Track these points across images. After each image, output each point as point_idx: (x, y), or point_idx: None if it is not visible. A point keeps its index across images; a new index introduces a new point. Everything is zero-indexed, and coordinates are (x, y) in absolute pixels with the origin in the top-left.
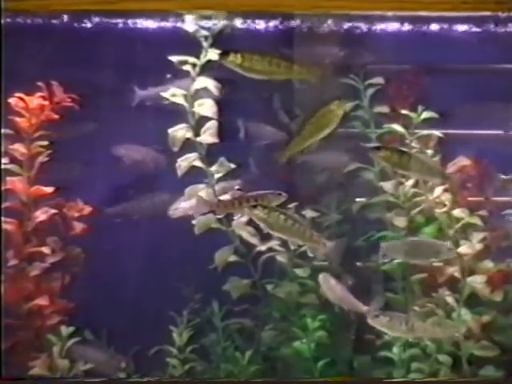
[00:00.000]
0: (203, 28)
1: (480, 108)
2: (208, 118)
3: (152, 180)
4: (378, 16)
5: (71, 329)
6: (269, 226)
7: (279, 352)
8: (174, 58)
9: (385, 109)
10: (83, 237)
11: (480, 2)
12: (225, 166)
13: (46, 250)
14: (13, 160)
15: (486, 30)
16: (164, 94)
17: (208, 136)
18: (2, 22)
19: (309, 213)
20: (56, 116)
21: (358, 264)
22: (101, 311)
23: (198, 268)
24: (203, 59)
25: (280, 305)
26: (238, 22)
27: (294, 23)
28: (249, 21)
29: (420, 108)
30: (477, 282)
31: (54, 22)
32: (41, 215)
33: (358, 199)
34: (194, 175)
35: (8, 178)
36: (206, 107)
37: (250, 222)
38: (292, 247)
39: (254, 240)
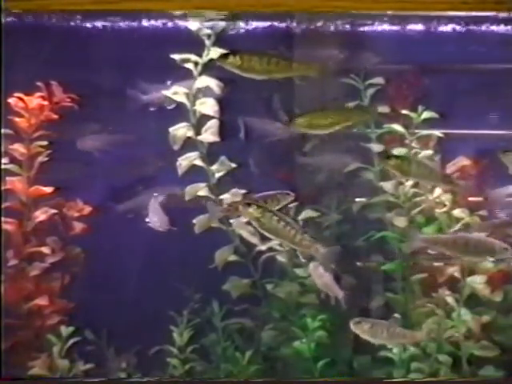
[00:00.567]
0: (206, 27)
1: (480, 108)
2: (209, 117)
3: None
4: (378, 16)
5: (71, 329)
6: (261, 226)
7: (279, 352)
8: (176, 56)
9: (385, 109)
10: (83, 237)
11: (480, 2)
12: (225, 165)
13: (45, 249)
14: (12, 160)
15: (485, 30)
16: (166, 93)
17: (209, 135)
18: (2, 21)
19: (309, 213)
20: (55, 116)
21: (358, 264)
22: (101, 311)
23: (197, 268)
24: (205, 58)
25: (280, 305)
26: (240, 22)
27: (294, 23)
28: (250, 20)
29: (420, 108)
30: (477, 282)
31: (54, 22)
32: (40, 215)
33: (357, 199)
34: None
35: (8, 178)
36: (208, 106)
37: (250, 222)
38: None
39: (254, 239)
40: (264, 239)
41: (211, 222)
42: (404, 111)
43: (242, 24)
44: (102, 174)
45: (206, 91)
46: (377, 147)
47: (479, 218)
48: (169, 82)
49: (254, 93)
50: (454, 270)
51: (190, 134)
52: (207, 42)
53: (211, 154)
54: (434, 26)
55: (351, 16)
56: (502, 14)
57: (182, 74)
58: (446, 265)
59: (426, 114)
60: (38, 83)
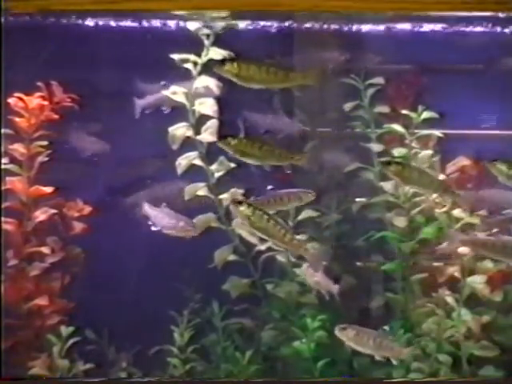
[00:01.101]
0: (205, 27)
1: (480, 108)
2: (208, 117)
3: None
4: (378, 16)
5: (71, 329)
6: (252, 225)
7: (279, 352)
8: (176, 56)
9: (385, 109)
10: (83, 237)
11: (480, 2)
12: (224, 164)
13: (45, 249)
14: (12, 160)
15: (485, 30)
16: (165, 92)
17: (208, 135)
18: (2, 21)
19: (309, 213)
20: (56, 116)
21: (358, 264)
22: (101, 311)
23: (198, 267)
24: (204, 58)
25: (280, 304)
26: (239, 22)
27: (294, 23)
28: (250, 20)
29: (420, 108)
30: (477, 282)
31: (54, 21)
32: (40, 215)
33: (357, 199)
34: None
35: (8, 178)
36: (207, 106)
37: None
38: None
39: (253, 239)
40: (263, 239)
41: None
42: (404, 111)
43: (240, 24)
44: (102, 174)
45: (205, 91)
46: (377, 147)
47: (479, 218)
48: (168, 83)
49: (254, 92)
50: (454, 270)
51: (189, 133)
52: (206, 42)
53: (210, 153)
54: (434, 26)
55: (351, 16)
56: (502, 14)
57: (181, 74)
58: (445, 265)
59: (425, 114)
60: (38, 83)
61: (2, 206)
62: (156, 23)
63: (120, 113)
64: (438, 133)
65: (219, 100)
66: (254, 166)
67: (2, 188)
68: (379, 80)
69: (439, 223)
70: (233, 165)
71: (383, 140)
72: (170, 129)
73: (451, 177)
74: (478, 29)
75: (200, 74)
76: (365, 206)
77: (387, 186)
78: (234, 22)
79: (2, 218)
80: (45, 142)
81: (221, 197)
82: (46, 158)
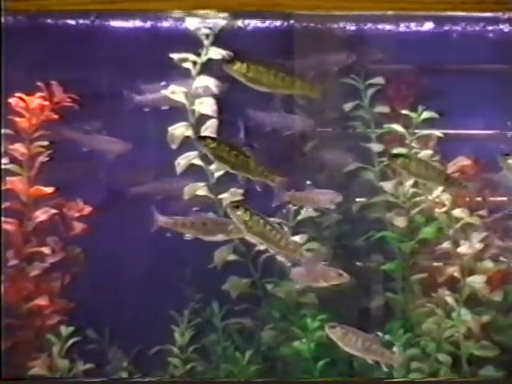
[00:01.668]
0: (204, 26)
1: (480, 108)
2: (208, 117)
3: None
4: (378, 16)
5: (71, 329)
6: (248, 229)
7: (279, 352)
8: (175, 56)
9: (385, 109)
10: (83, 237)
11: (480, 2)
12: None
13: (45, 250)
14: (13, 160)
15: (485, 30)
16: (164, 92)
17: (207, 134)
18: (2, 21)
19: (308, 213)
20: (56, 116)
21: (358, 264)
22: (101, 311)
23: (198, 267)
24: (204, 57)
25: (280, 304)
26: (239, 22)
27: (294, 23)
28: (250, 20)
29: (420, 108)
30: (476, 281)
31: (54, 21)
32: (41, 215)
33: (357, 199)
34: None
35: (8, 178)
36: (207, 105)
37: None
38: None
39: (253, 239)
40: None
41: None
42: (404, 111)
43: (240, 24)
44: (102, 174)
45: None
46: (377, 147)
47: (479, 218)
48: (167, 82)
49: (254, 92)
50: (453, 270)
51: (189, 133)
52: (206, 42)
53: None
54: (434, 26)
55: (351, 16)
56: (502, 15)
57: (180, 74)
58: (445, 265)
59: (425, 114)
60: (39, 83)
61: (2, 206)
62: (155, 23)
63: (119, 113)
64: (437, 133)
65: (221, 99)
66: None
67: (2, 188)
68: (379, 80)
69: (439, 223)
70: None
71: (383, 140)
72: (170, 128)
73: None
74: (478, 28)
75: (199, 73)
76: (365, 205)
77: (387, 185)
78: (233, 21)
79: (2, 218)
80: (45, 142)
81: (220, 196)
82: (47, 158)
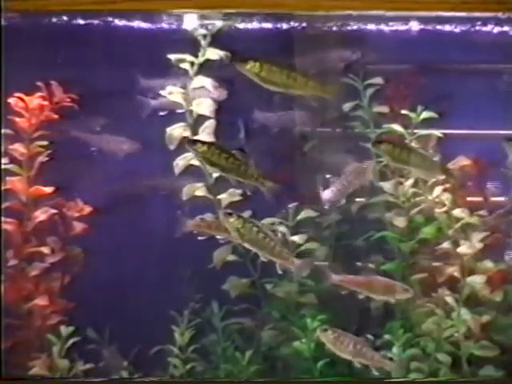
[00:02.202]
0: (202, 27)
1: (480, 108)
2: (206, 117)
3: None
4: (378, 16)
5: (71, 329)
6: (241, 237)
7: (279, 352)
8: (172, 57)
9: (384, 109)
10: (83, 237)
11: (480, 2)
12: None
13: (45, 250)
14: (12, 160)
15: (486, 30)
16: (162, 93)
17: (205, 135)
18: (2, 22)
19: (308, 213)
20: (56, 116)
21: (358, 264)
22: (101, 311)
23: (197, 267)
24: (201, 58)
25: (279, 304)
26: (237, 22)
27: (294, 23)
28: (248, 20)
29: (419, 108)
30: (476, 281)
31: (54, 21)
32: (41, 215)
33: (357, 199)
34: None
35: (8, 178)
36: (204, 106)
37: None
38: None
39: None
40: None
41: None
42: (403, 111)
43: (237, 24)
44: (103, 174)
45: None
46: None
47: (479, 218)
48: (165, 83)
49: (253, 92)
50: (453, 270)
51: (187, 133)
52: (203, 42)
53: None
54: (434, 26)
55: (351, 16)
56: (503, 15)
57: (179, 74)
58: (445, 265)
59: (425, 114)
60: (38, 83)
61: (2, 206)
62: (153, 23)
63: (119, 112)
64: (437, 133)
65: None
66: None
67: (2, 188)
68: (378, 80)
69: (439, 223)
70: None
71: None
72: (168, 129)
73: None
74: (478, 29)
75: (197, 74)
76: (364, 205)
77: (387, 185)
78: (231, 21)
79: (2, 218)
80: (45, 142)
81: (219, 197)
82: (46, 158)
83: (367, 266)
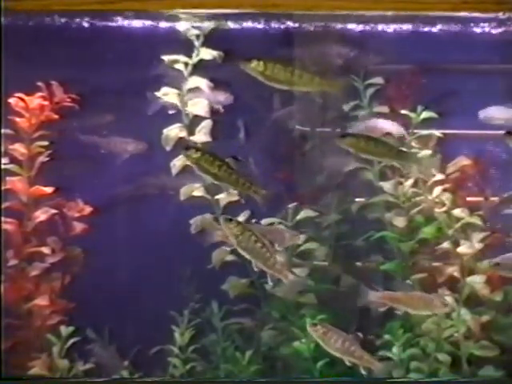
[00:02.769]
0: (195, 27)
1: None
2: (202, 118)
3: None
4: (378, 16)
5: (71, 329)
6: (238, 244)
7: (279, 352)
8: (166, 58)
9: (384, 109)
10: (83, 237)
11: (480, 2)
12: None
13: (45, 250)
14: (13, 160)
15: (485, 30)
16: (157, 94)
17: (202, 135)
18: (2, 22)
19: (307, 213)
20: (56, 116)
21: (358, 264)
22: (101, 311)
23: (197, 268)
24: (195, 58)
25: (279, 304)
26: (231, 22)
27: (293, 23)
28: (242, 20)
29: (419, 108)
30: (476, 281)
31: (54, 21)
32: (41, 215)
33: (357, 199)
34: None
35: (8, 178)
36: (200, 107)
37: (248, 221)
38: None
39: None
40: None
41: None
42: (403, 111)
43: (231, 24)
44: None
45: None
46: None
47: (479, 218)
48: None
49: (253, 93)
50: (453, 270)
51: (183, 134)
52: (196, 43)
53: None
54: (434, 26)
55: (351, 16)
56: (503, 15)
57: (173, 75)
58: (445, 264)
59: (425, 114)
60: (39, 83)
61: (2, 206)
62: (147, 24)
63: (118, 113)
64: (437, 133)
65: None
66: (252, 165)
67: (2, 188)
68: (378, 80)
69: (438, 223)
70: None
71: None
72: (165, 130)
73: (451, 177)
74: (478, 29)
75: (191, 74)
76: (364, 205)
77: (387, 185)
78: (225, 21)
79: (2, 218)
80: (45, 142)
81: (217, 197)
82: (47, 158)
83: (405, 281)
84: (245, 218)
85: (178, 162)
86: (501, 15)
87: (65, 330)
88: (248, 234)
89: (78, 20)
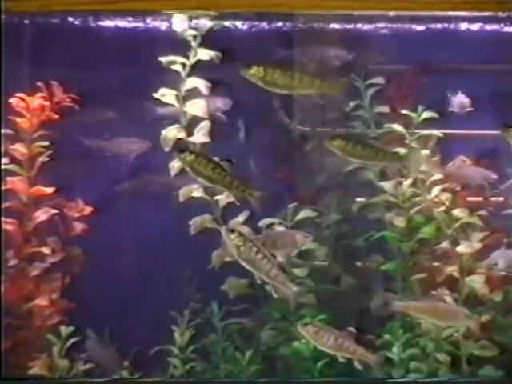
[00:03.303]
0: (192, 28)
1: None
2: (201, 118)
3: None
4: (378, 16)
5: (71, 329)
6: (239, 255)
7: (279, 352)
8: (163, 59)
9: (385, 109)
10: (83, 237)
11: (480, 2)
12: None
13: (46, 250)
14: (13, 160)
15: (486, 30)
16: (155, 95)
17: (200, 136)
18: (2, 22)
19: (307, 213)
20: (56, 116)
21: (358, 264)
22: (101, 311)
23: (197, 268)
24: (193, 59)
25: (279, 305)
26: (230, 22)
27: (292, 23)
28: (251, 21)
29: (420, 108)
30: (476, 281)
31: (54, 21)
32: (41, 215)
33: (358, 199)
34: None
35: (8, 178)
36: (198, 107)
37: (247, 221)
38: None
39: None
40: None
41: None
42: (404, 111)
43: (228, 24)
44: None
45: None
46: None
47: (479, 218)
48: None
49: (253, 93)
50: (452, 270)
51: (181, 135)
52: (193, 44)
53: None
54: (434, 26)
55: (351, 16)
56: (503, 14)
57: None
58: (445, 264)
59: (425, 114)
60: (39, 83)
61: (2, 206)
62: (145, 24)
63: (115, 113)
64: (437, 133)
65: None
66: (252, 165)
67: (2, 188)
68: (379, 80)
69: (438, 223)
70: (230, 159)
71: (383, 140)
72: (163, 131)
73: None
74: (479, 28)
75: (189, 75)
76: (364, 205)
77: (387, 185)
78: (223, 22)
79: (2, 218)
80: (45, 142)
81: (216, 198)
82: (47, 159)
83: (431, 293)
84: (244, 218)
85: (176, 164)
86: (501, 15)
87: (65, 329)
88: (249, 245)
89: (77, 20)
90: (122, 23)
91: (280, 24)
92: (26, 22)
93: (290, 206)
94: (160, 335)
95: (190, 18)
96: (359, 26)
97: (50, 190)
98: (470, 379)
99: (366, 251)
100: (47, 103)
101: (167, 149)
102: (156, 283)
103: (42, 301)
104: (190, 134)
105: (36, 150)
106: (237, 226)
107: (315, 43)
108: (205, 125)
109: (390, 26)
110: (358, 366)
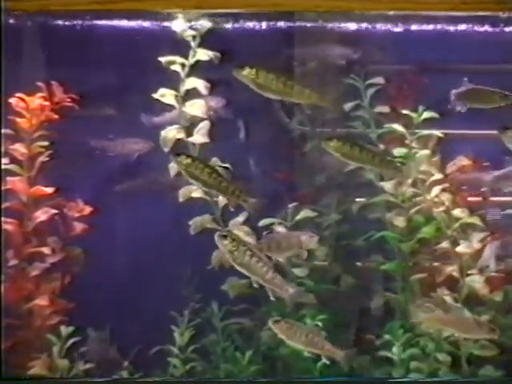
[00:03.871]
0: (191, 28)
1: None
2: (200, 118)
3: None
4: (379, 16)
5: (71, 329)
6: (234, 260)
7: (279, 352)
8: (163, 59)
9: (385, 109)
10: (83, 237)
11: (480, 2)
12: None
13: (46, 250)
14: (13, 160)
15: (486, 30)
16: (154, 95)
17: (200, 136)
18: (2, 22)
19: (307, 213)
20: (56, 116)
21: (358, 264)
22: (101, 311)
23: (197, 268)
24: (192, 59)
25: (279, 305)
26: (229, 22)
27: (294, 23)
28: (242, 20)
29: (420, 108)
30: (476, 281)
31: (54, 21)
32: (41, 215)
33: (357, 199)
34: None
35: (8, 178)
36: (197, 107)
37: (247, 222)
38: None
39: (250, 240)
40: (260, 239)
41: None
42: (404, 111)
43: (227, 24)
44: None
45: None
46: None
47: (478, 218)
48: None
49: (252, 93)
50: (452, 270)
51: (181, 135)
52: (192, 44)
53: (203, 155)
54: (434, 26)
55: (351, 16)
56: (503, 14)
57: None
58: (444, 264)
59: (426, 114)
60: (39, 83)
61: (2, 206)
62: (144, 24)
63: (114, 113)
64: (437, 133)
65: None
66: (252, 165)
67: (2, 188)
68: (379, 80)
69: (438, 223)
70: (227, 165)
71: (383, 140)
72: (162, 131)
73: (451, 177)
74: (479, 28)
75: (188, 75)
76: (364, 205)
77: (387, 185)
78: (223, 22)
79: (2, 218)
80: (45, 143)
81: (216, 199)
82: (47, 159)
83: (457, 304)
84: (244, 218)
85: (175, 164)
86: (501, 15)
87: (65, 329)
88: (243, 250)
89: (77, 20)
90: (121, 23)
91: (280, 24)
92: (26, 22)
93: (290, 205)
94: (160, 335)
95: (190, 19)
96: (359, 25)
97: (49, 190)
98: (470, 379)
99: (366, 251)
100: (47, 103)
101: (166, 149)
102: (156, 283)
103: (41, 301)
104: (189, 134)
105: (36, 150)
106: (237, 226)
107: (317, 43)
108: (204, 125)
109: (389, 25)
110: (325, 361)
